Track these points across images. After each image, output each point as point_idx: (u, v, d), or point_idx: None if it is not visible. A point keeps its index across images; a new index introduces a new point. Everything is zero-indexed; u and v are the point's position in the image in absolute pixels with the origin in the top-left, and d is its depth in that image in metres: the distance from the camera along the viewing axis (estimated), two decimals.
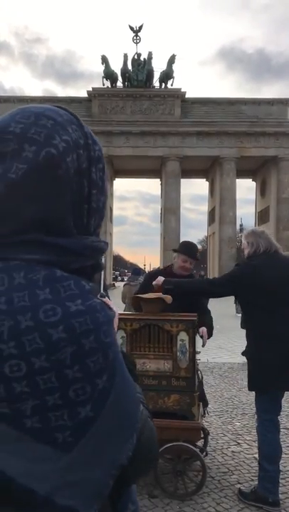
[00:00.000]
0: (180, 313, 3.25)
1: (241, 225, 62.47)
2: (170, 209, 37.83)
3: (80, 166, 0.69)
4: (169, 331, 3.15)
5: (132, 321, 3.21)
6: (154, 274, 3.90)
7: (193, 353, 3.14)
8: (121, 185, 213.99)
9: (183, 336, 3.14)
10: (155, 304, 3.28)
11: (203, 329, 3.52)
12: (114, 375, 0.62)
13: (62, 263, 0.65)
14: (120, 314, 3.35)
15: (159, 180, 45.95)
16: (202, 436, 3.72)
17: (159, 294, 3.28)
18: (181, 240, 38.38)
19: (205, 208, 52.08)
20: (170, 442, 3.09)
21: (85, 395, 0.59)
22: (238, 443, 4.21)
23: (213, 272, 42.79)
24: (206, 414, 3.77)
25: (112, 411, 0.62)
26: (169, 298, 3.29)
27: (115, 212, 70.35)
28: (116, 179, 48.40)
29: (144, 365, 3.18)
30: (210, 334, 3.63)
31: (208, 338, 3.59)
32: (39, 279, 0.61)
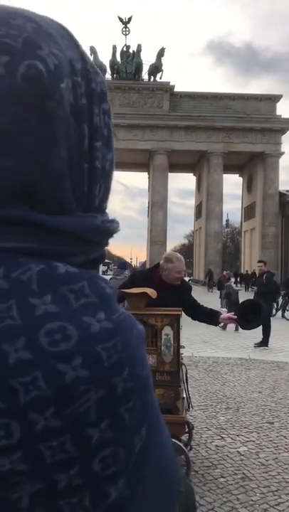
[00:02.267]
0: (165, 308, 3.23)
1: (228, 221, 62.86)
2: (157, 203, 37.82)
3: (77, 102, 0.44)
4: (154, 325, 3.14)
5: None
6: (140, 274, 3.83)
7: (178, 347, 3.13)
8: None
9: (167, 330, 3.13)
10: (140, 298, 3.25)
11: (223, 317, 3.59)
12: (153, 427, 0.43)
13: (59, 255, 0.42)
14: None
15: (146, 173, 45.90)
16: (187, 430, 3.73)
17: (144, 289, 3.25)
18: (167, 234, 38.39)
19: (192, 202, 52.23)
20: None
21: (117, 464, 0.38)
22: (222, 437, 4.23)
23: (199, 266, 42.99)
24: (191, 408, 3.77)
25: (151, 481, 0.42)
26: (153, 292, 3.28)
27: None
28: None
29: None
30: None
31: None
32: (31, 280, 0.39)
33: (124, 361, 0.39)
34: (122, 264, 9.85)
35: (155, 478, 0.43)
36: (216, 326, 3.75)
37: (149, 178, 43.78)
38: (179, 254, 3.79)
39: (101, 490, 0.38)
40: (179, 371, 3.15)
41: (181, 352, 3.22)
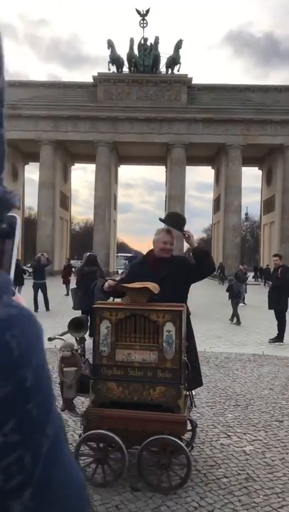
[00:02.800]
0: (167, 303, 3.15)
1: (247, 214, 62.10)
2: (174, 197, 37.55)
3: None
4: (155, 321, 3.06)
5: (118, 311, 3.12)
6: (135, 262, 3.84)
7: (180, 344, 3.04)
8: (126, 172, 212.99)
9: (169, 326, 3.05)
10: (141, 293, 3.18)
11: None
12: (58, 425, 0.38)
13: None
14: (106, 304, 3.27)
15: (164, 167, 45.63)
16: (190, 428, 3.66)
17: (145, 283, 3.18)
18: (185, 229, 38.29)
19: (210, 196, 51.75)
20: (154, 435, 3.02)
21: (22, 473, 0.33)
22: (228, 435, 4.14)
23: (217, 260, 42.61)
24: (194, 407, 3.69)
25: (58, 488, 0.37)
26: (155, 287, 3.20)
27: (120, 199, 70.10)
28: (121, 166, 48.10)
29: (130, 356, 3.10)
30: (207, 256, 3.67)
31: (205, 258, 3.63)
32: None
33: (31, 350, 0.35)
34: (133, 258, 9.77)
35: (61, 484, 0.37)
36: (200, 257, 3.67)
37: (166, 171, 43.52)
38: (169, 228, 3.80)
39: (2, 507, 0.31)
40: (181, 369, 3.07)
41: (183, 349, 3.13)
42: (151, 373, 3.07)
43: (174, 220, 3.74)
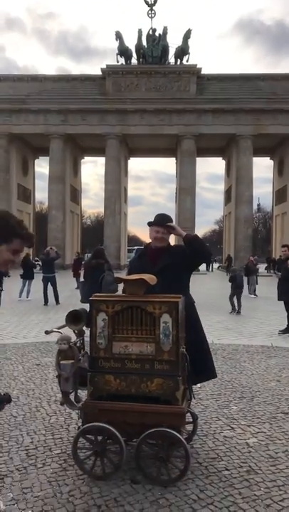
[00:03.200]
0: (164, 295, 3.11)
1: (258, 205, 61.54)
2: (185, 189, 37.37)
3: None
4: (152, 313, 3.01)
5: (114, 303, 3.08)
6: (137, 257, 3.88)
7: (177, 335, 2.99)
8: (136, 165, 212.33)
9: (166, 318, 3.00)
10: (138, 285, 3.13)
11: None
12: None
13: None
14: (101, 296, 3.23)
15: (174, 159, 45.38)
16: (191, 421, 3.62)
17: (141, 275, 3.13)
18: (196, 220, 37.97)
19: (222, 187, 51.37)
20: (153, 428, 2.98)
21: None
22: (232, 427, 4.09)
23: (228, 252, 42.39)
24: (193, 399, 3.64)
25: None
26: (152, 278, 3.15)
27: (131, 192, 69.84)
28: (131, 158, 47.96)
29: (127, 348, 3.06)
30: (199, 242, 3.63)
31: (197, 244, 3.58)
32: None
33: None
34: (140, 250, 9.70)
35: None
36: (191, 243, 3.61)
37: (176, 163, 43.28)
38: (165, 214, 3.83)
39: None
40: (179, 360, 3.02)
41: (180, 341, 3.08)
42: (149, 365, 3.03)
43: (158, 218, 3.76)
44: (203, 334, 3.76)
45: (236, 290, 12.69)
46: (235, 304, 12.52)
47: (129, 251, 43.12)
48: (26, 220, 43.48)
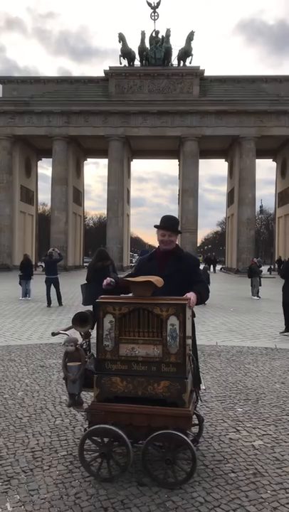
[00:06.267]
0: (171, 297, 3.11)
1: (261, 207, 61.48)
2: (188, 190, 37.33)
3: None
4: (159, 315, 3.02)
5: (121, 305, 3.08)
6: (146, 259, 3.81)
7: (184, 338, 2.99)
8: (139, 167, 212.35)
9: (173, 320, 3.00)
10: (145, 287, 3.13)
11: (188, 294, 3.31)
12: None
13: None
14: (109, 298, 3.23)
15: (177, 160, 45.38)
16: (197, 423, 3.62)
17: (149, 277, 3.13)
18: (199, 222, 37.92)
19: (224, 189, 51.33)
20: (159, 430, 2.98)
21: None
22: (238, 430, 4.08)
23: (231, 254, 42.35)
24: (200, 401, 3.64)
25: None
26: (159, 280, 3.15)
27: (134, 193, 69.64)
28: (133, 160, 47.98)
29: (133, 350, 3.06)
30: (200, 301, 3.44)
31: (197, 304, 3.38)
32: None
33: None
34: (144, 252, 9.70)
35: None
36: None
37: (179, 165, 43.25)
38: (171, 216, 3.79)
39: None
40: (186, 363, 3.02)
41: (187, 343, 3.08)
42: (156, 367, 3.03)
43: (165, 221, 3.72)
44: (196, 347, 3.75)
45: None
46: None
47: (132, 256, 43.07)
48: (29, 222, 43.57)
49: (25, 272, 15.99)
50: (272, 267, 39.67)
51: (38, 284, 16.02)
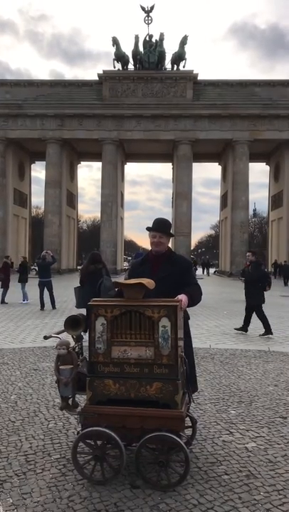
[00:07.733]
0: (162, 299, 3.11)
1: (254, 210, 61.74)
2: (181, 193, 37.45)
3: None
4: (151, 317, 3.02)
5: (113, 308, 3.08)
6: (139, 263, 3.84)
7: (176, 339, 3.00)
8: (132, 170, 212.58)
9: (165, 322, 3.00)
10: (137, 289, 3.14)
11: (180, 296, 3.32)
12: None
13: None
14: (100, 300, 3.23)
15: (170, 164, 45.50)
16: (190, 425, 3.62)
17: (140, 279, 3.13)
18: (192, 225, 37.99)
19: (218, 192, 51.51)
20: (152, 432, 2.98)
21: None
22: (231, 432, 4.09)
23: (225, 257, 42.47)
24: (193, 403, 3.64)
25: None
26: (150, 282, 3.16)
27: (127, 197, 69.80)
28: (127, 163, 48.04)
29: (126, 352, 3.06)
30: (191, 303, 3.45)
31: (188, 306, 3.41)
32: None
33: None
34: (139, 254, 9.69)
35: None
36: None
37: (173, 168, 43.38)
38: (163, 219, 3.79)
39: None
40: (178, 364, 3.02)
41: (179, 344, 3.09)
42: (148, 369, 3.03)
43: (156, 223, 3.74)
44: (192, 349, 3.76)
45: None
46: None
47: (125, 259, 43.04)
48: (22, 225, 43.45)
49: (23, 276, 16.00)
50: (266, 270, 39.71)
51: (31, 287, 15.98)
